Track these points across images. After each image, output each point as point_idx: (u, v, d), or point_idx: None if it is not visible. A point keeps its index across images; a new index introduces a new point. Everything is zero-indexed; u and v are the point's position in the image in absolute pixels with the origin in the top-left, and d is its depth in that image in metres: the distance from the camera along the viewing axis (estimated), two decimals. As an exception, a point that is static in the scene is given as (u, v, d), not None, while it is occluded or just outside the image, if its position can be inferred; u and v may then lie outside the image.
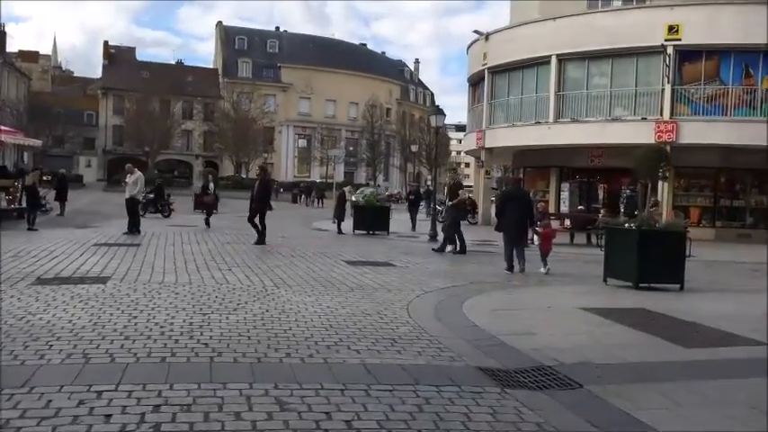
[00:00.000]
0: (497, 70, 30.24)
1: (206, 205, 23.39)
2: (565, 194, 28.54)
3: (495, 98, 30.68)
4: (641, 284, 10.66)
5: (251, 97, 67.67)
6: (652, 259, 10.66)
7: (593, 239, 21.20)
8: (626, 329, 7.35)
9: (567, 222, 25.38)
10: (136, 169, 18.16)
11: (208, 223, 21.13)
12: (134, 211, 17.51)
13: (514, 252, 12.77)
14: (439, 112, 21.46)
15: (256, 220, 16.24)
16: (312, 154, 77.59)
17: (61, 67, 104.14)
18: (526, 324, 7.51)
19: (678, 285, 10.85)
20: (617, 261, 11.17)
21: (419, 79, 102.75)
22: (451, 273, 12.27)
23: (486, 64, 30.43)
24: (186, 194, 40.42)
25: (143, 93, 67.94)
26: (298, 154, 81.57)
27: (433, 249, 15.55)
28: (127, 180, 17.88)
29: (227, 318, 7.16)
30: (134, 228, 17.09)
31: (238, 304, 7.96)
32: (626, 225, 11.13)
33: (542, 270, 12.63)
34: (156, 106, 69.61)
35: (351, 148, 79.97)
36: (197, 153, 75.79)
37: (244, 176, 61.66)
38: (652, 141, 24.30)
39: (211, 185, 24.19)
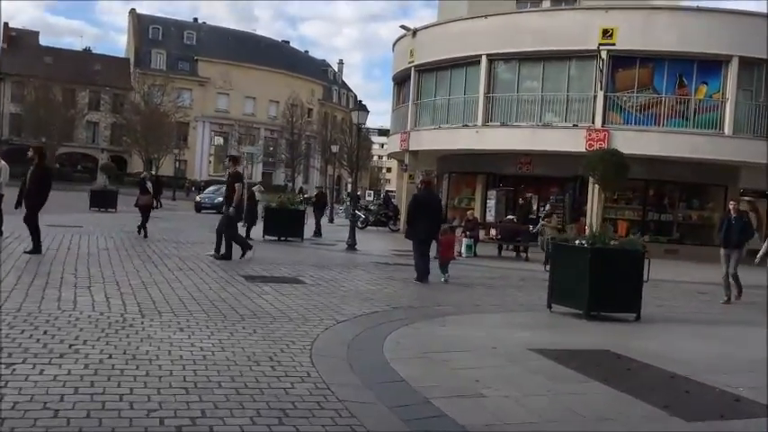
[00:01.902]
0: (424, 69, 28.59)
1: (141, 208, 18.03)
2: (491, 203, 27.14)
3: (421, 98, 29.01)
4: (592, 313, 9.01)
5: (164, 90, 63.80)
6: (606, 284, 9.02)
7: (523, 253, 19.82)
8: (600, 388, 5.53)
9: (494, 232, 23.94)
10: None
11: (142, 231, 17.09)
12: None
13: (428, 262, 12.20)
14: (361, 108, 19.52)
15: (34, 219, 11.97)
16: (229, 152, 74.11)
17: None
18: (468, 377, 5.59)
19: (634, 315, 9.26)
20: (564, 284, 9.46)
21: (343, 80, 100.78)
22: (369, 293, 10.28)
23: (412, 62, 28.73)
24: (82, 190, 37.04)
25: (45, 80, 62.99)
26: (214, 152, 77.92)
27: (213, 256, 13.20)
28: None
29: (41, 372, 4.90)
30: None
31: (71, 345, 5.68)
32: (577, 242, 9.44)
33: (441, 279, 12.17)
34: (60, 95, 64.71)
35: (270, 148, 77.05)
36: (103, 147, 71.12)
37: (153, 173, 57.86)
38: (583, 149, 23.11)
39: (149, 183, 18.99)
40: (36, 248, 11.68)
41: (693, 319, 10.07)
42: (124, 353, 5.59)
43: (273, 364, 5.62)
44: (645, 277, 9.27)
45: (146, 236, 16.87)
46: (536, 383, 5.58)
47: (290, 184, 68.30)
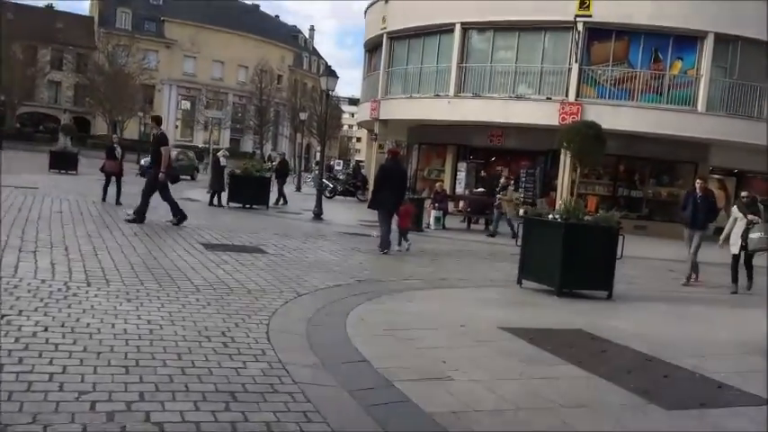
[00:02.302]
0: (397, 36, 27.97)
1: (108, 174, 16.97)
2: (461, 175, 26.79)
3: (392, 66, 28.42)
4: (564, 290, 8.73)
5: (129, 51, 61.85)
6: (579, 260, 8.72)
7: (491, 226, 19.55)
8: (575, 372, 5.21)
9: (462, 205, 23.66)
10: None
11: (105, 196, 16.38)
12: None
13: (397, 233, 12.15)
14: (331, 74, 18.88)
15: None
16: (196, 117, 72.55)
17: None
18: (435, 358, 5.23)
19: (606, 293, 9.00)
20: (535, 260, 9.16)
21: (314, 47, 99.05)
22: (334, 264, 9.87)
23: (384, 28, 28.07)
24: (42, 151, 35.84)
25: (6, 36, 60.58)
26: (181, 116, 76.18)
27: (126, 220, 12.37)
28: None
29: (-37, 347, 4.41)
30: None
31: (3, 316, 5.17)
32: (550, 216, 9.11)
33: (397, 248, 12.14)
34: (20, 52, 62.39)
35: (239, 114, 75.63)
36: (66, 107, 69.00)
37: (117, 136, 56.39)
38: (556, 123, 22.84)
39: (118, 149, 17.41)
40: None
41: (666, 297, 9.85)
42: (62, 325, 5.10)
43: (226, 341, 5.19)
44: (618, 254, 9.00)
45: (104, 199, 16.30)
46: (507, 366, 5.24)
47: (257, 152, 67.22)
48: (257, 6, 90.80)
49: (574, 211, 9.04)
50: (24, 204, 13.55)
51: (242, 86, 75.78)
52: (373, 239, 13.30)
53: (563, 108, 22.81)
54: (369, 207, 12.98)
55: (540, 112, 23.19)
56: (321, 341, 5.53)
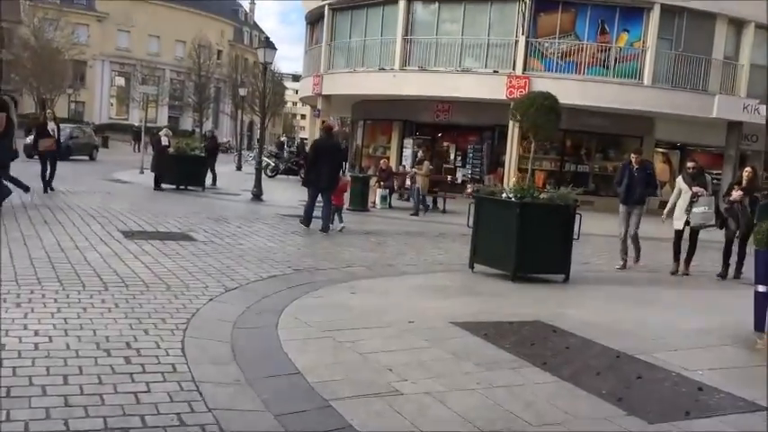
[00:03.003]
0: (339, 7, 26.89)
1: (42, 154, 14.46)
2: (407, 152, 26.06)
3: (335, 39, 27.35)
4: (519, 275, 8.11)
5: (57, 24, 58.71)
6: (534, 242, 8.10)
7: (440, 204, 18.94)
8: (540, 377, 4.53)
9: (408, 182, 22.96)
10: None
11: (46, 182, 13.95)
12: None
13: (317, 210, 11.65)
14: (269, 45, 17.82)
15: None
16: (131, 95, 69.71)
17: None
18: (380, 366, 4.48)
19: (563, 276, 8.43)
20: (488, 242, 8.50)
21: (254, 21, 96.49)
22: (269, 252, 9.01)
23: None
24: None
25: None
26: (116, 93, 73.11)
27: None
28: None
29: None
30: None
31: None
32: (504, 195, 8.45)
33: (332, 226, 11.65)
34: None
35: (177, 91, 73.06)
36: (-9, 85, 65.37)
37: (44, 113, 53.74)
38: (503, 97, 22.30)
39: (52, 125, 14.92)
40: None
41: (622, 279, 9.34)
42: None
43: (130, 354, 4.33)
44: (575, 235, 8.42)
45: (48, 189, 13.86)
46: (463, 372, 4.52)
47: (197, 130, 65.15)
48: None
49: (528, 189, 8.40)
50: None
51: (180, 62, 73.15)
52: (314, 222, 12.48)
53: (510, 82, 22.24)
54: (303, 185, 12.48)
55: (487, 86, 22.58)
56: (247, 349, 4.72)
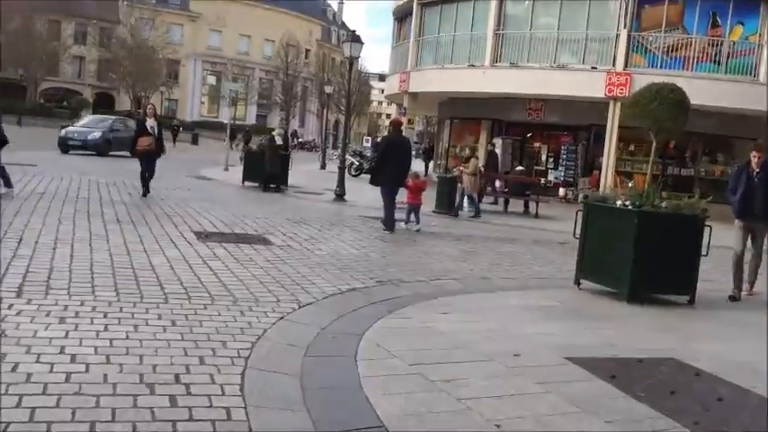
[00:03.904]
0: (428, 2, 25.95)
1: (142, 153, 12.84)
2: (497, 152, 24.83)
3: (423, 35, 26.44)
4: (636, 294, 6.95)
5: (152, 24, 60.44)
6: (655, 257, 6.92)
7: (532, 208, 17.70)
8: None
9: (498, 184, 21.81)
10: None
11: (145, 184, 12.68)
12: None
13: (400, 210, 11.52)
14: (355, 39, 17.09)
15: None
16: (221, 93, 71.05)
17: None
18: (483, 420, 3.53)
19: (687, 297, 7.22)
20: (599, 255, 7.38)
21: (343, 21, 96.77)
22: (350, 259, 8.18)
23: (415, -7, 26.08)
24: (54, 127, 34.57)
25: (30, 9, 59.63)
26: (207, 92, 74.74)
27: None
28: None
29: None
30: None
31: None
32: (619, 203, 7.30)
33: (405, 226, 11.51)
34: (44, 26, 61.47)
35: (265, 91, 73.98)
36: (90, 83, 67.99)
37: (140, 111, 55.27)
38: (602, 95, 20.86)
39: (152, 122, 13.20)
40: None
41: (757, 303, 7.99)
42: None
43: (177, 391, 3.54)
44: (704, 250, 7.19)
45: (146, 193, 12.63)
46: (592, 434, 3.51)
47: (284, 129, 65.57)
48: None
49: (649, 195, 7.23)
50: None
51: (268, 61, 74.06)
52: (400, 225, 11.64)
53: (610, 78, 20.73)
54: (371, 183, 11.96)
55: (584, 84, 21.13)
56: (319, 387, 3.87)
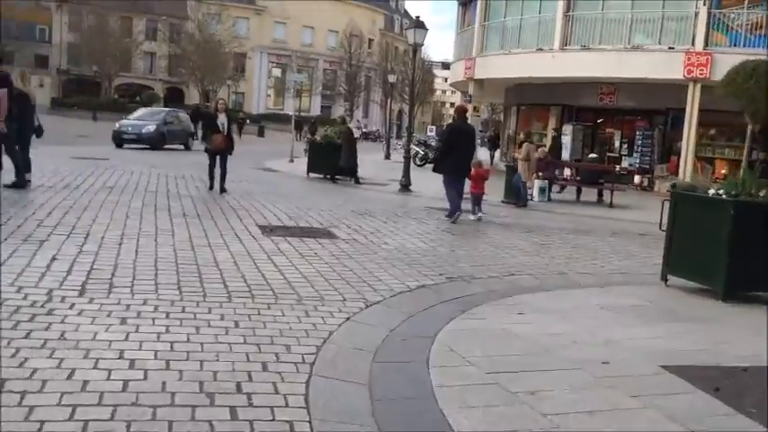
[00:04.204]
0: (494, -15, 25.31)
1: (214, 151, 12.21)
2: (566, 139, 24.03)
3: (489, 20, 25.80)
4: (731, 292, 6.38)
5: (219, 18, 61.39)
6: (754, 251, 6.33)
7: (606, 197, 16.96)
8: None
9: (568, 173, 21.07)
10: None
11: (220, 184, 12.06)
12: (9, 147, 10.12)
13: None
14: (419, 25, 16.68)
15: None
16: (287, 85, 71.67)
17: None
18: (575, 439, 3.15)
19: (788, 295, 6.59)
20: (688, 249, 6.81)
21: (405, 10, 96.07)
22: (418, 253, 7.85)
23: (480, -23, 25.44)
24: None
25: (102, 7, 61.55)
26: (273, 84, 75.55)
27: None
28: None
29: None
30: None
31: None
32: (711, 192, 6.71)
33: (472, 217, 11.21)
34: (117, 24, 63.35)
35: (329, 82, 74.23)
36: (160, 77, 69.70)
37: (208, 105, 56.30)
38: (680, 76, 19.83)
39: (223, 118, 12.39)
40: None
41: None
42: (-8, 374, 3.35)
43: (238, 402, 3.29)
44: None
45: (222, 191, 11.93)
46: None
47: (348, 118, 65.67)
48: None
49: (746, 183, 6.62)
50: (78, 177, 12.23)
51: (332, 52, 74.26)
52: (467, 216, 11.24)
53: (689, 59, 19.70)
54: (434, 171, 11.85)
55: (660, 65, 20.15)
56: (389, 398, 3.56)
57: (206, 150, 12.49)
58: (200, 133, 33.15)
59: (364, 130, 64.06)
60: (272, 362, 3.88)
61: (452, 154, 10.99)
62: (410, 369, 4.01)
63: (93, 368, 3.53)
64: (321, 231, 8.70)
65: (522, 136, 17.46)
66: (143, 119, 25.67)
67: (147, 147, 23.65)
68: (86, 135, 29.17)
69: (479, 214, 11.39)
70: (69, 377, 3.39)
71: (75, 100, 59.00)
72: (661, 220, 7.13)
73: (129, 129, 24.53)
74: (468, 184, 11.57)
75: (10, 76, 10.22)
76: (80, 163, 15.12)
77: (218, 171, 12.16)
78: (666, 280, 7.00)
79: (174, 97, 65.55)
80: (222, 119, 12.41)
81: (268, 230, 8.35)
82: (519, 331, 4.89)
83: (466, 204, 11.36)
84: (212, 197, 11.40)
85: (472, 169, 11.62)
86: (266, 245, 7.40)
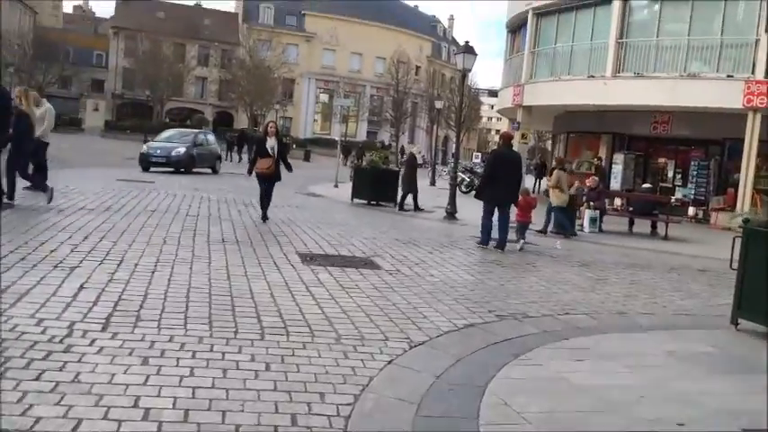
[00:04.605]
0: (544, 11, 24.88)
1: (262, 176, 11.50)
2: (617, 168, 23.33)
3: (538, 46, 25.34)
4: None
5: (270, 45, 62.29)
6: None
7: (660, 229, 16.20)
8: None
9: (618, 203, 20.35)
10: (44, 99, 12.88)
11: (264, 207, 11.55)
12: (37, 160, 11.14)
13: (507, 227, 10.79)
14: (468, 50, 16.33)
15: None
16: (333, 110, 72.18)
17: (81, 8, 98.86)
18: None
19: None
20: (761, 291, 6.21)
21: (453, 37, 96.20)
22: (465, 287, 7.40)
23: (530, 3, 25.03)
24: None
25: (157, 34, 63.13)
26: (320, 109, 76.19)
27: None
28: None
29: None
30: (38, 183, 10.41)
31: None
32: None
33: (518, 246, 10.80)
34: (170, 49, 64.82)
35: (375, 108, 74.51)
36: (211, 102, 70.91)
37: (256, 129, 56.95)
38: (739, 105, 19.01)
39: (272, 142, 11.54)
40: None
41: None
42: (-1, 421, 3.03)
43: (263, 463, 2.90)
44: None
45: (263, 219, 11.36)
46: None
47: (393, 144, 65.72)
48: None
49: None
50: (121, 200, 12.13)
51: (379, 78, 74.57)
52: (517, 247, 10.73)
53: (749, 88, 18.87)
54: (476, 197, 11.49)
55: (718, 94, 19.35)
56: (434, 462, 3.12)
57: (254, 174, 11.59)
58: (245, 157, 33.14)
59: (425, 157, 63.86)
60: (302, 414, 3.48)
61: (496, 182, 10.66)
62: (458, 426, 3.57)
63: (103, 418, 3.18)
64: (363, 261, 8.32)
65: (554, 162, 16.81)
66: (171, 140, 23.97)
67: (176, 170, 22.17)
68: (134, 158, 29.50)
69: (522, 242, 11.04)
70: (75, 430, 3.04)
71: (127, 123, 60.31)
72: (732, 257, 6.55)
73: (158, 151, 22.63)
74: (514, 212, 11.15)
75: (9, 94, 10.02)
76: (124, 185, 15.11)
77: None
78: (737, 324, 6.40)
79: (223, 121, 66.62)
80: (272, 143, 11.50)
81: (308, 259, 8.01)
82: (580, 382, 4.40)
83: (511, 233, 10.90)
84: (254, 222, 11.15)
85: (519, 197, 11.28)
86: (305, 275, 7.05)
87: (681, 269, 10.64)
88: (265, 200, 11.52)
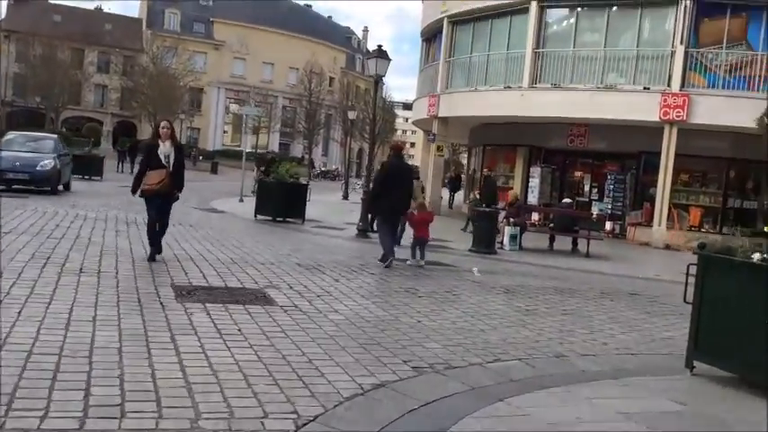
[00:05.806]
0: (460, 20, 24.19)
1: (150, 194, 8.55)
2: (534, 182, 22.79)
3: (454, 55, 24.61)
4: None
5: (175, 52, 59.53)
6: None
7: (581, 245, 15.54)
8: None
9: (536, 217, 19.76)
10: None
11: (154, 241, 8.62)
12: None
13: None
14: (381, 55, 15.23)
15: None
16: (245, 121, 69.93)
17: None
18: None
19: None
20: (724, 330, 5.24)
21: (367, 49, 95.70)
22: (376, 325, 6.13)
23: (445, 11, 24.36)
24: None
25: (52, 38, 59.22)
26: (231, 120, 73.66)
27: None
28: None
29: None
30: None
31: None
32: (757, 257, 5.17)
33: (409, 261, 10.43)
34: (67, 55, 60.97)
35: (288, 119, 72.76)
36: (111, 111, 67.23)
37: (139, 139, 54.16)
38: (656, 118, 18.77)
39: (167, 148, 8.66)
40: None
41: None
42: None
43: None
44: None
45: (152, 256, 8.47)
46: None
47: (306, 156, 64.25)
48: (309, 6, 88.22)
49: None
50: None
51: (292, 89, 72.94)
52: (437, 271, 9.59)
53: (665, 100, 18.69)
54: (367, 211, 11.44)
55: (635, 106, 19.12)
56: None
57: (140, 194, 8.61)
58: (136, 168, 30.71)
59: (323, 168, 62.66)
60: None
61: (388, 192, 10.31)
62: None
63: None
64: (254, 294, 6.91)
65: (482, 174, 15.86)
66: (30, 148, 17.69)
67: (39, 189, 16.71)
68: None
69: (422, 261, 10.49)
70: None
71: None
72: (686, 290, 5.57)
73: (17, 165, 16.43)
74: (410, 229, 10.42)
75: None
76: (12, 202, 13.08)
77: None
78: (692, 367, 5.41)
79: (125, 132, 63.20)
80: (166, 149, 8.55)
81: (185, 294, 6.53)
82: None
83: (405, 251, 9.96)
84: (130, 245, 9.52)
85: (414, 212, 10.81)
86: (175, 317, 5.59)
87: (611, 294, 9.77)
88: (157, 228, 8.59)
